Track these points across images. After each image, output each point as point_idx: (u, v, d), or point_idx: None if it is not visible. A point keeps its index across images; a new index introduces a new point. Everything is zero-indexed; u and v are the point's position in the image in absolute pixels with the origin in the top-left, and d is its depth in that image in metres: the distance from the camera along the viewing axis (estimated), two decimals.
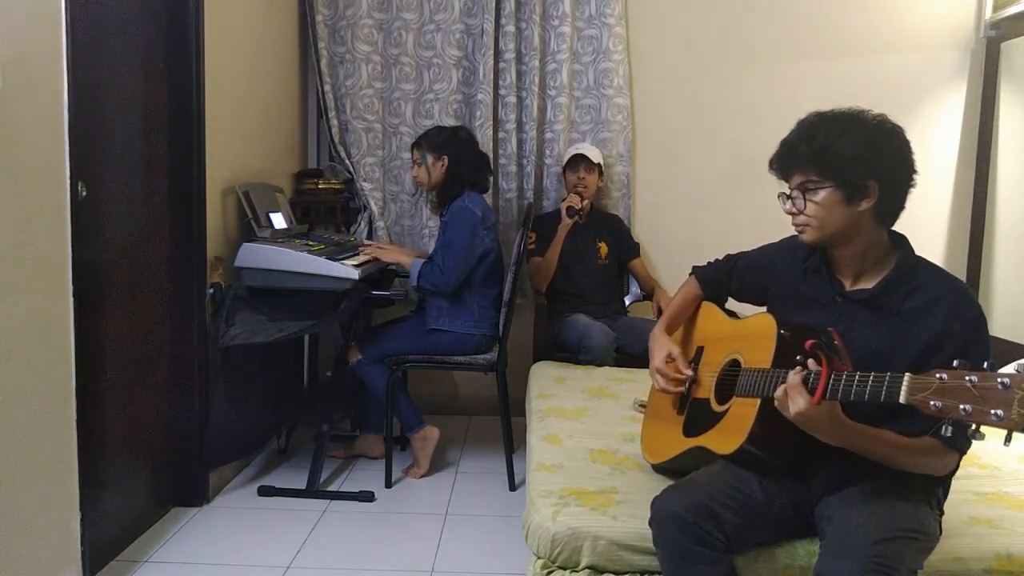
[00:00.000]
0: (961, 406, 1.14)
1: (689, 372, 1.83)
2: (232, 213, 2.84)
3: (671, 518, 1.50)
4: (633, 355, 3.09)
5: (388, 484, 2.90)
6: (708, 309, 1.95)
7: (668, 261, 3.68)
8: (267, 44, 3.21)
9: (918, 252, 1.56)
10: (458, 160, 2.94)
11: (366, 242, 3.21)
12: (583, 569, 1.66)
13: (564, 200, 3.35)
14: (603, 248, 3.42)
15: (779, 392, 1.38)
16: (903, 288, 1.50)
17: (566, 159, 3.40)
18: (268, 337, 2.60)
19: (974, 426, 1.16)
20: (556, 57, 3.53)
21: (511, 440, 2.95)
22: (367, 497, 2.76)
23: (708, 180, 3.68)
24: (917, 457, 1.42)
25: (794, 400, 1.35)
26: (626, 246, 3.51)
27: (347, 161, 3.56)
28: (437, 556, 2.37)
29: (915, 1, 3.56)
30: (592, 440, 2.16)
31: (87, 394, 2.05)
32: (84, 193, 2.01)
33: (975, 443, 1.33)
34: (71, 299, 1.93)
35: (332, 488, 2.87)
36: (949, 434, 1.20)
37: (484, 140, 3.41)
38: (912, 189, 1.51)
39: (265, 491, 2.78)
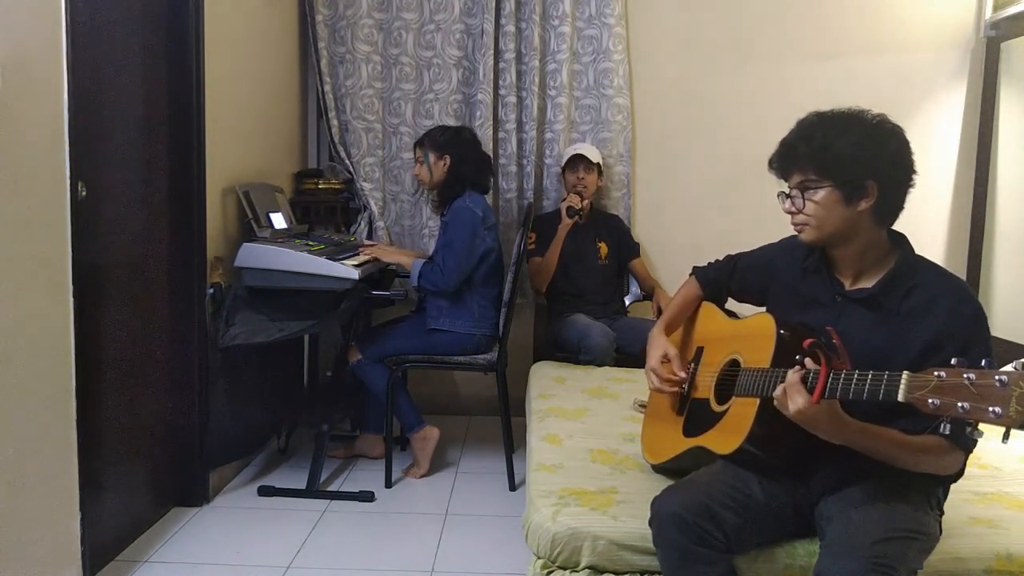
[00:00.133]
0: (959, 404, 1.14)
1: (683, 374, 1.83)
2: (232, 213, 2.84)
3: (671, 518, 1.50)
4: (633, 355, 3.08)
5: (388, 484, 2.90)
6: (708, 309, 1.95)
7: (668, 261, 3.68)
8: (267, 44, 3.21)
9: (918, 252, 1.56)
10: (460, 160, 2.95)
11: (366, 242, 3.21)
12: (583, 569, 1.66)
13: (564, 200, 3.35)
14: (603, 248, 3.42)
15: (778, 392, 1.38)
16: (903, 287, 1.50)
17: (565, 159, 3.40)
18: (268, 337, 2.60)
19: (973, 424, 1.16)
20: (556, 57, 3.53)
21: (511, 440, 2.95)
22: (367, 497, 2.76)
23: (708, 180, 3.68)
24: (919, 455, 1.42)
25: (793, 399, 1.35)
26: (626, 246, 3.51)
27: (347, 161, 3.56)
28: (437, 556, 2.37)
29: (915, 1, 3.56)
30: (592, 440, 2.16)
31: (87, 394, 2.05)
32: (84, 193, 2.01)
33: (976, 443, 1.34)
34: (71, 299, 1.93)
35: (332, 488, 2.87)
36: (947, 432, 1.20)
37: (484, 140, 3.41)
38: (912, 189, 1.51)
39: (265, 491, 2.79)
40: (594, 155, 3.37)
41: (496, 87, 3.54)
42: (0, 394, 1.70)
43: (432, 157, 2.96)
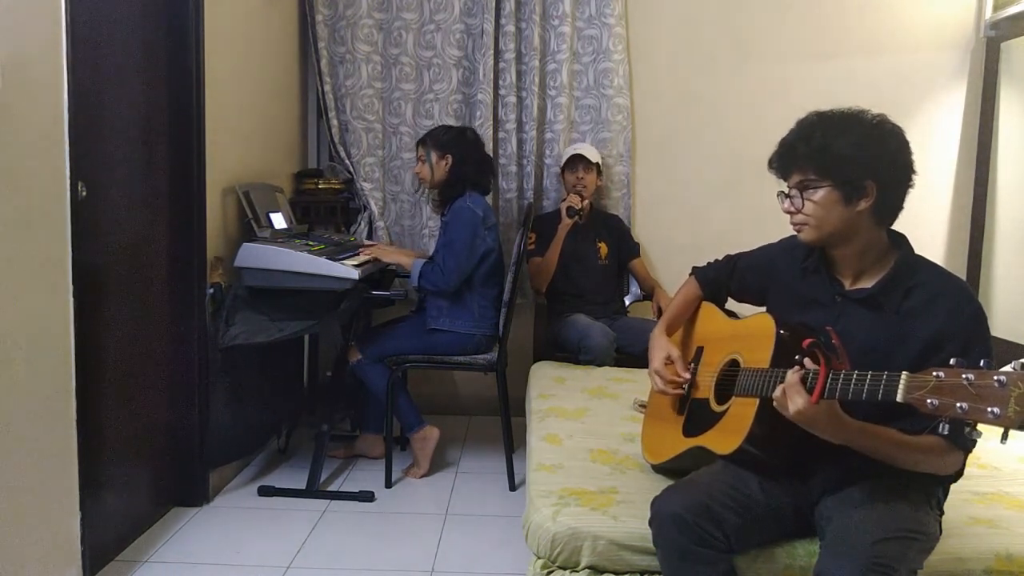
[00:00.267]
0: (958, 404, 1.14)
1: (687, 375, 1.83)
2: (232, 213, 2.84)
3: (671, 518, 1.50)
4: (633, 355, 3.09)
5: (388, 484, 2.90)
6: (708, 309, 1.95)
7: (668, 261, 3.68)
8: (267, 44, 3.21)
9: (918, 252, 1.56)
10: (462, 160, 2.95)
11: (367, 243, 3.21)
12: (583, 569, 1.66)
13: (564, 200, 3.35)
14: (603, 248, 3.42)
15: (778, 392, 1.38)
16: (902, 287, 1.50)
17: (564, 159, 3.40)
18: (268, 337, 2.60)
19: (972, 424, 1.16)
20: (556, 57, 3.53)
21: (511, 440, 2.95)
22: (367, 497, 2.76)
23: (708, 180, 3.68)
24: (918, 455, 1.42)
25: (792, 400, 1.35)
26: (626, 246, 3.51)
27: (347, 161, 3.56)
28: (437, 556, 2.37)
29: (915, 1, 3.56)
30: (592, 440, 2.17)
31: (87, 394, 2.05)
32: (84, 193, 2.01)
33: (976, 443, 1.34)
34: (71, 299, 1.93)
35: (332, 488, 2.87)
36: (946, 432, 1.20)
37: (484, 140, 3.41)
38: (911, 189, 1.51)
39: (265, 491, 2.79)
40: (593, 155, 3.37)
41: (496, 87, 3.54)
42: (0, 394, 1.70)
43: (434, 156, 2.96)
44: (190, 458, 2.64)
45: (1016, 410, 1.09)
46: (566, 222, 3.29)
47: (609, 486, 1.84)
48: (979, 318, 1.45)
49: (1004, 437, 1.13)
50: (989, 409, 1.11)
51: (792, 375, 1.37)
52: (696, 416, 1.78)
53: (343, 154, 3.56)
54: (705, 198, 3.69)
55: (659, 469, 1.92)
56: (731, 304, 1.94)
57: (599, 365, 3.02)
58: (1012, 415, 1.09)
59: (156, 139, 2.48)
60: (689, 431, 1.78)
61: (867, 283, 1.55)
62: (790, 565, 1.58)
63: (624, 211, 3.62)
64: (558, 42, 3.52)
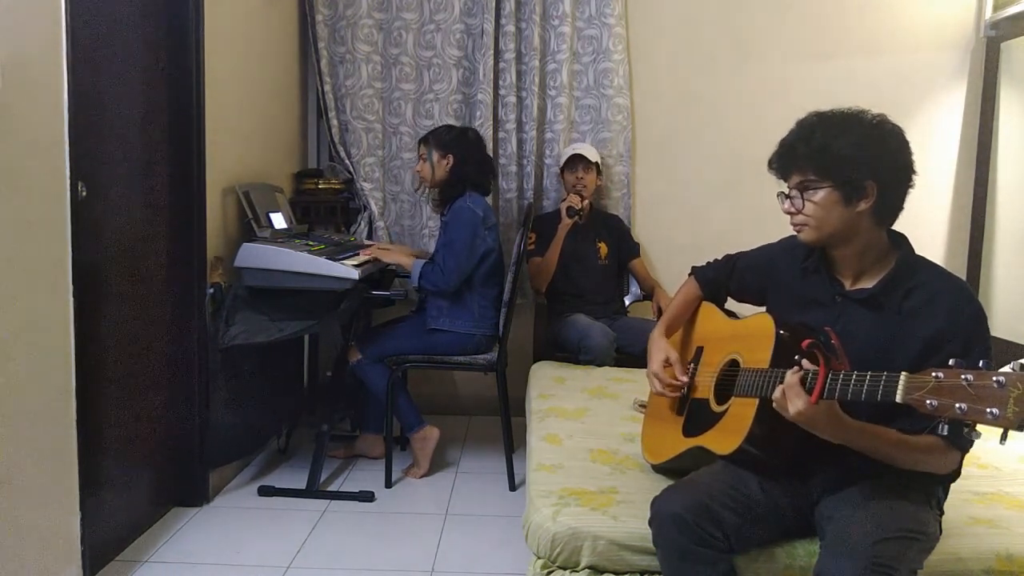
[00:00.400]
0: (957, 405, 1.14)
1: (685, 378, 1.83)
2: (232, 213, 2.84)
3: (671, 518, 1.50)
4: (633, 355, 3.09)
5: (388, 484, 2.90)
6: (707, 309, 1.95)
7: (668, 261, 3.68)
8: (267, 44, 3.21)
9: (918, 252, 1.56)
10: (463, 160, 2.95)
11: (367, 243, 3.21)
12: (583, 569, 1.66)
13: (564, 200, 3.35)
14: (603, 248, 3.42)
15: (777, 393, 1.38)
16: (903, 287, 1.50)
17: (563, 160, 3.40)
18: (268, 337, 2.60)
19: (971, 425, 1.16)
20: (556, 57, 3.53)
21: (511, 440, 2.95)
22: (367, 497, 2.77)
23: (708, 180, 3.68)
24: (917, 454, 1.42)
25: (792, 400, 1.35)
26: (626, 246, 3.51)
27: (347, 161, 3.56)
28: (437, 556, 2.37)
29: (915, 1, 3.56)
30: (592, 440, 2.17)
31: (87, 394, 2.05)
32: (84, 193, 2.01)
33: (975, 443, 1.34)
34: (71, 299, 1.93)
35: (332, 488, 2.87)
36: (945, 432, 1.20)
37: (484, 140, 3.41)
38: (911, 190, 1.51)
39: (265, 491, 2.79)
40: (592, 154, 3.37)
41: (496, 87, 3.54)
42: (0, 394, 1.70)
43: (436, 155, 2.96)
44: (190, 458, 2.64)
45: (1015, 411, 1.09)
46: (566, 222, 3.29)
47: (609, 486, 1.84)
48: (979, 318, 1.45)
49: (1003, 438, 1.14)
50: (988, 410, 1.11)
51: (792, 375, 1.37)
52: (696, 416, 1.78)
53: (343, 154, 3.56)
54: (705, 198, 3.69)
55: (659, 469, 1.92)
56: (731, 304, 1.94)
57: (599, 365, 3.02)
58: (1011, 416, 1.10)
59: (156, 139, 2.48)
60: (689, 431, 1.78)
61: (867, 283, 1.55)
62: (790, 565, 1.58)
63: (624, 211, 3.62)
64: (558, 42, 3.52)
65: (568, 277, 3.33)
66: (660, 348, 1.89)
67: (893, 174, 1.48)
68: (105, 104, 2.20)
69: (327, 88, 3.51)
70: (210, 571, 2.25)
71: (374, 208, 3.58)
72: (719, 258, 1.94)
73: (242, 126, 2.95)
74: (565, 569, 1.67)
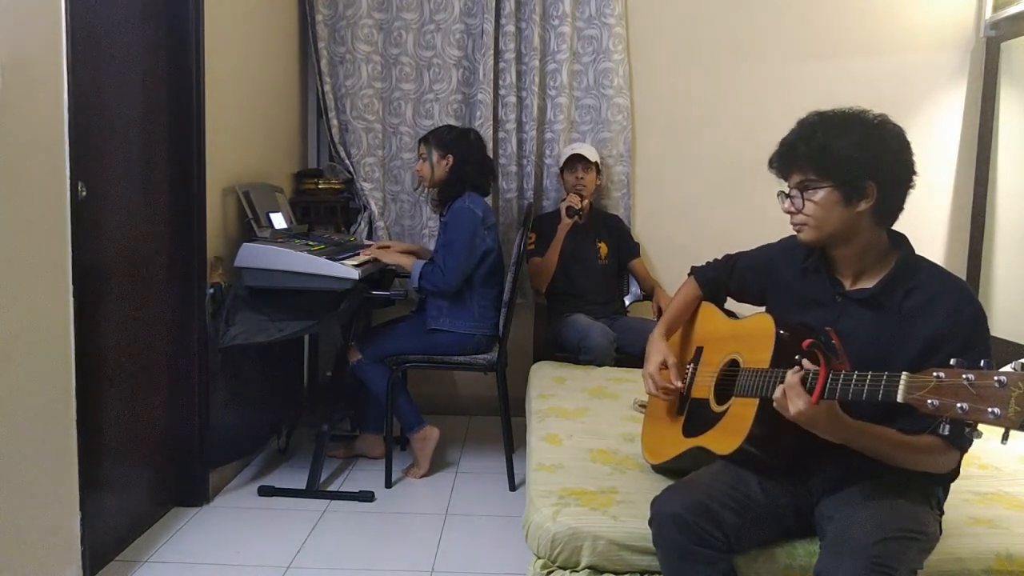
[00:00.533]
0: (958, 404, 1.14)
1: (680, 384, 1.83)
2: (232, 213, 2.84)
3: (671, 518, 1.50)
4: (633, 355, 3.08)
5: (388, 484, 2.90)
6: (707, 309, 1.95)
7: (668, 261, 3.67)
8: (267, 44, 3.21)
9: (918, 252, 1.56)
10: (463, 161, 2.95)
11: (367, 243, 3.21)
12: (583, 569, 1.66)
13: (564, 200, 3.35)
14: (603, 248, 3.42)
15: (778, 393, 1.38)
16: (903, 287, 1.50)
17: (563, 160, 3.40)
18: (268, 337, 2.60)
19: (972, 424, 1.16)
20: (556, 57, 3.53)
21: (511, 440, 2.95)
22: (367, 497, 2.76)
23: (708, 180, 3.68)
24: (917, 454, 1.42)
25: (792, 401, 1.35)
26: (626, 246, 3.51)
27: (347, 161, 3.56)
28: (437, 556, 2.37)
29: (915, 1, 3.56)
30: (592, 440, 2.16)
31: (87, 394, 2.05)
32: (84, 193, 2.01)
33: (975, 443, 1.34)
34: (71, 299, 1.93)
35: (332, 488, 2.87)
36: (946, 432, 1.20)
37: (484, 140, 3.41)
38: (911, 190, 1.51)
39: (265, 491, 2.79)
40: (592, 154, 3.37)
41: (496, 87, 3.54)
42: (0, 394, 1.70)
43: (436, 155, 2.96)
44: (190, 458, 2.64)
45: (1016, 410, 1.09)
46: (566, 222, 3.29)
47: (609, 486, 1.84)
48: (979, 318, 1.45)
49: (1005, 437, 1.14)
50: (989, 409, 1.11)
51: (792, 375, 1.37)
52: (696, 416, 1.78)
53: (343, 154, 3.56)
54: (705, 198, 3.69)
55: (659, 469, 1.92)
56: (731, 304, 1.94)
57: (599, 365, 3.02)
58: (1012, 415, 1.10)
59: (156, 139, 2.48)
60: (689, 431, 1.78)
61: (867, 283, 1.55)
62: (790, 565, 1.58)
63: (624, 211, 3.62)
64: (558, 42, 3.52)
65: (568, 277, 3.33)
66: (659, 350, 1.89)
67: (893, 174, 1.48)
68: (105, 104, 2.20)
69: (327, 88, 3.51)
70: (210, 571, 2.25)
71: (374, 208, 3.58)
72: (718, 258, 1.94)
73: (242, 126, 2.95)
74: (565, 569, 1.67)
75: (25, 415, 1.78)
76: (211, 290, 2.61)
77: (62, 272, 1.90)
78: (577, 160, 3.35)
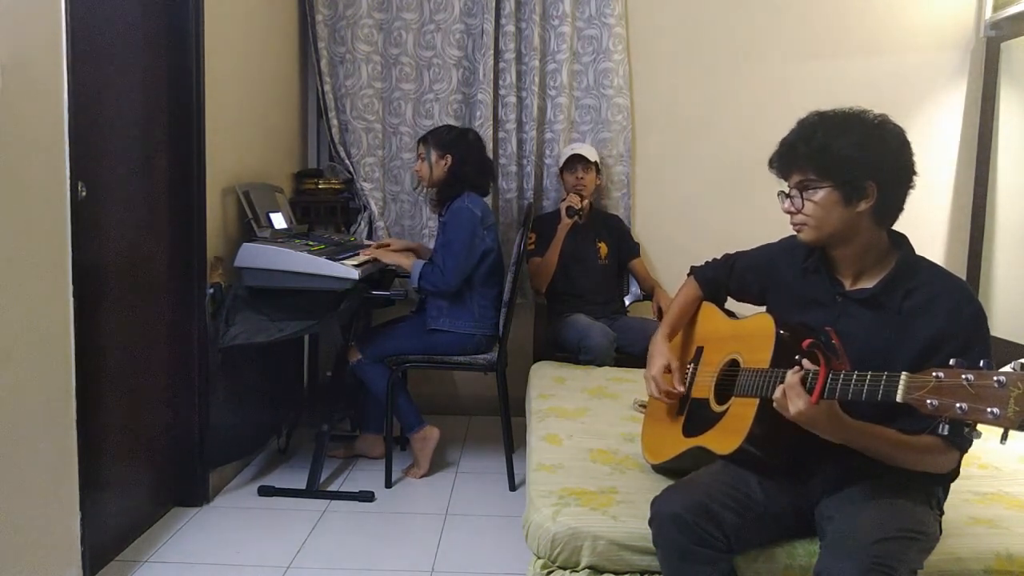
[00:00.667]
0: (958, 404, 1.14)
1: (682, 389, 1.83)
2: (232, 213, 2.84)
3: (671, 518, 1.50)
4: (633, 355, 3.09)
5: (388, 484, 2.90)
6: (707, 309, 1.95)
7: (668, 261, 3.68)
8: (267, 44, 3.21)
9: (918, 252, 1.56)
10: (462, 161, 2.95)
11: (367, 243, 3.21)
12: (583, 569, 1.66)
13: (564, 200, 3.35)
14: (603, 248, 3.42)
15: (778, 393, 1.38)
16: (903, 287, 1.50)
17: (563, 160, 3.40)
18: (268, 337, 2.60)
19: (971, 424, 1.16)
20: (556, 57, 3.53)
21: (511, 440, 2.95)
22: (367, 497, 2.77)
23: (708, 180, 3.68)
24: (917, 454, 1.42)
25: (792, 401, 1.35)
26: (626, 246, 3.51)
27: (347, 161, 3.56)
28: (437, 556, 2.37)
29: (915, 1, 3.56)
30: (592, 440, 2.16)
31: (87, 394, 2.05)
32: (84, 193, 2.01)
33: (975, 443, 1.34)
34: (71, 299, 1.93)
35: (332, 488, 2.87)
36: (946, 432, 1.20)
37: (484, 140, 3.41)
38: (911, 190, 1.51)
39: (265, 491, 2.79)
40: (591, 154, 3.37)
41: (496, 87, 3.54)
42: (0, 394, 1.70)
43: (434, 155, 2.96)
44: (190, 458, 2.64)
45: (1016, 410, 1.09)
46: (566, 222, 3.29)
47: (609, 486, 1.84)
48: (979, 318, 1.45)
49: (1004, 437, 1.14)
50: (989, 409, 1.11)
51: (792, 376, 1.37)
52: (696, 416, 1.78)
53: (343, 154, 3.56)
54: (705, 198, 3.69)
55: (659, 469, 1.92)
56: (731, 304, 1.94)
57: (599, 365, 3.02)
58: (1012, 415, 1.10)
59: (156, 139, 2.48)
60: (689, 431, 1.78)
61: (868, 283, 1.55)
62: (790, 565, 1.58)
63: (624, 211, 3.62)
64: (558, 42, 3.52)
65: (568, 277, 3.33)
66: (662, 353, 1.89)
67: (893, 175, 1.48)
68: (105, 104, 2.20)
69: (327, 88, 3.51)
70: (210, 571, 2.25)
71: (374, 208, 3.58)
72: (718, 258, 1.94)
73: (242, 126, 2.95)
74: (565, 569, 1.67)
75: (25, 415, 1.78)
76: (211, 290, 2.61)
77: (62, 272, 1.90)
78: (577, 160, 3.35)
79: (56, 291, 1.89)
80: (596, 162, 3.38)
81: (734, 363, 1.69)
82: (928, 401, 1.18)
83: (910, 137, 1.50)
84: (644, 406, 2.19)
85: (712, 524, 1.49)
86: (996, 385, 1.11)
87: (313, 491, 2.78)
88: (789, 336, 1.54)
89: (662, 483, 1.72)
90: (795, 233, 1.60)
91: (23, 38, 1.73)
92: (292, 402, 3.28)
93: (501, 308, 2.93)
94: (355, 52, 3.52)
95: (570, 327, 3.13)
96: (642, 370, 1.96)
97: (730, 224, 3.62)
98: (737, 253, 1.90)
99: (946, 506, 1.61)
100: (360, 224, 3.58)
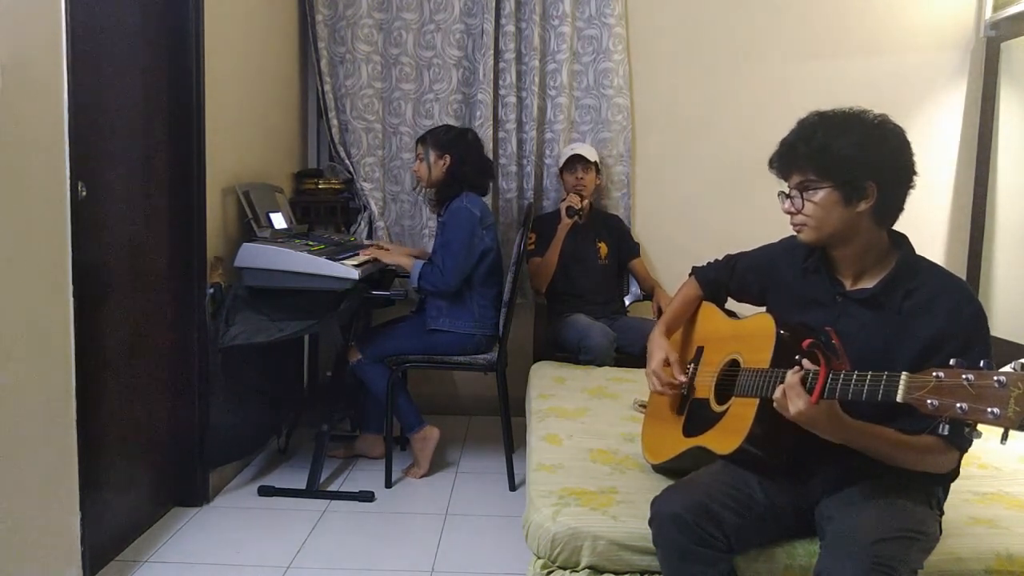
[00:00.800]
0: (958, 404, 1.14)
1: (684, 378, 1.83)
2: (232, 213, 2.84)
3: (671, 518, 1.50)
4: (633, 355, 3.09)
5: (388, 484, 2.90)
6: (708, 309, 1.95)
7: (668, 261, 3.68)
8: (267, 44, 3.21)
9: (918, 252, 1.56)
10: (461, 161, 2.95)
11: (367, 243, 3.21)
12: (583, 569, 1.66)
13: (564, 200, 3.35)
14: (603, 248, 3.42)
15: (778, 393, 1.38)
16: (903, 287, 1.50)
17: (563, 160, 3.40)
18: (268, 337, 2.60)
19: (971, 424, 1.16)
20: (556, 57, 3.53)
21: (511, 440, 2.95)
22: (367, 497, 2.77)
23: (708, 180, 3.68)
24: (917, 454, 1.42)
25: (793, 400, 1.35)
26: (626, 246, 3.51)
27: (347, 161, 3.56)
28: (437, 556, 2.37)
29: (915, 1, 3.56)
30: (592, 440, 2.16)
31: (87, 394, 2.05)
32: (84, 193, 2.01)
33: (975, 443, 1.34)
34: (71, 299, 1.93)
35: (332, 488, 2.87)
36: (946, 432, 1.20)
37: (484, 140, 3.41)
38: (912, 190, 1.51)
39: (265, 491, 2.79)
40: (591, 154, 3.37)
41: (496, 87, 3.54)
42: (0, 394, 1.70)
43: (433, 155, 2.96)
44: (190, 458, 2.64)
45: (1016, 410, 1.09)
46: (566, 222, 3.29)
47: (609, 486, 1.84)
48: (979, 318, 1.45)
49: (1004, 437, 1.14)
50: (989, 409, 1.11)
51: (792, 376, 1.37)
52: (696, 416, 1.78)
53: (343, 154, 3.56)
54: (705, 198, 3.69)
55: (659, 469, 1.92)
56: (731, 304, 1.94)
57: (599, 365, 3.02)
58: (1012, 415, 1.10)
59: (156, 139, 2.48)
60: (689, 431, 1.78)
61: (868, 283, 1.55)
62: (790, 565, 1.58)
63: (624, 211, 3.62)
64: (558, 42, 3.52)
65: (568, 277, 3.33)
66: (660, 347, 1.89)
67: (894, 175, 1.48)
68: (105, 104, 2.20)
69: (327, 88, 3.51)
70: (210, 571, 2.25)
71: (374, 208, 3.58)
72: (719, 258, 1.94)
73: (242, 126, 2.95)
74: (565, 569, 1.67)
75: (25, 415, 1.78)
76: (211, 290, 2.61)
77: (62, 272, 1.90)
78: (577, 160, 3.35)
79: (56, 291, 1.89)
80: (596, 162, 3.38)
81: (734, 363, 1.69)
82: (928, 401, 1.18)
83: (910, 137, 1.50)
84: (644, 406, 2.19)
85: (712, 524, 1.49)
86: (996, 385, 1.11)
87: (313, 491, 2.78)
88: (789, 336, 1.54)
89: (662, 483, 1.72)
90: (795, 233, 1.60)
91: (23, 38, 1.73)
92: (292, 402, 3.28)
93: (501, 308, 2.93)
94: (355, 52, 3.52)
95: (570, 327, 3.14)
96: (642, 370, 1.97)
97: (730, 224, 3.62)
98: (738, 254, 1.90)
99: (946, 506, 1.61)
100: (360, 224, 3.58)
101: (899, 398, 1.22)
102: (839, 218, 1.49)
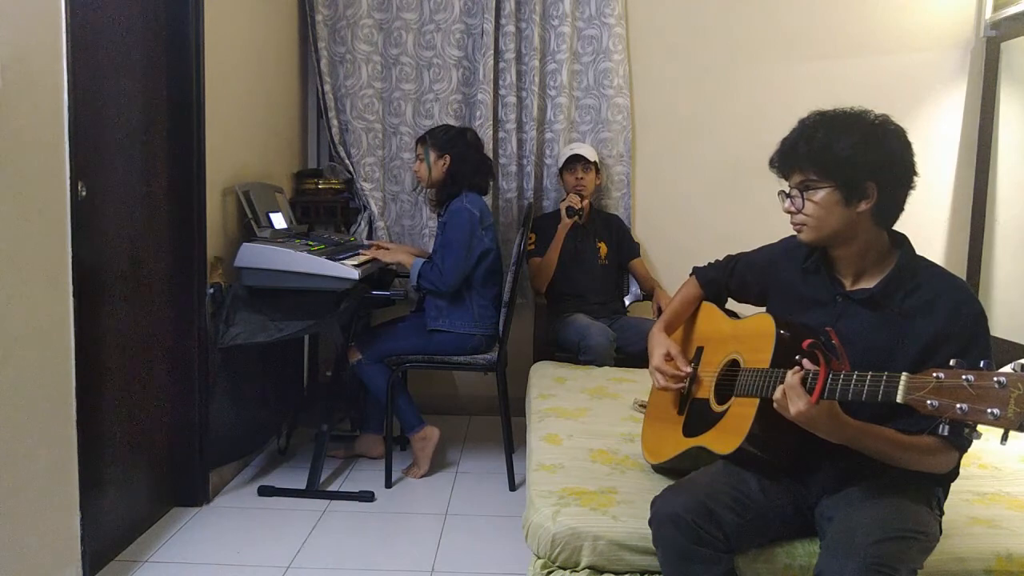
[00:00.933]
0: (958, 405, 1.14)
1: (688, 369, 1.83)
2: (232, 213, 2.84)
3: (671, 518, 1.50)
4: (633, 355, 3.09)
5: (388, 484, 2.90)
6: (708, 309, 1.95)
7: (668, 261, 3.68)
8: (267, 44, 3.21)
9: (918, 252, 1.56)
10: (461, 160, 2.95)
11: (367, 243, 3.21)
12: (583, 569, 1.66)
13: (564, 200, 3.35)
14: (603, 248, 3.42)
15: (778, 394, 1.38)
16: (903, 287, 1.50)
17: (563, 160, 3.40)
18: (268, 337, 2.60)
19: (971, 425, 1.16)
20: (556, 57, 3.53)
21: (511, 440, 2.95)
22: (367, 497, 2.77)
23: (708, 180, 3.68)
24: (917, 455, 1.42)
25: (793, 401, 1.35)
26: (626, 246, 3.51)
27: (347, 161, 3.56)
28: (437, 556, 2.37)
29: (915, 1, 3.56)
30: (592, 440, 2.16)
31: (87, 394, 2.05)
32: (84, 193, 2.01)
33: (975, 443, 1.34)
34: (71, 299, 1.93)
35: (332, 488, 2.87)
36: (946, 433, 1.20)
37: (484, 140, 3.40)
38: (912, 191, 1.51)
39: (265, 491, 2.79)
40: (591, 154, 3.37)
41: (496, 87, 3.54)
42: (0, 394, 1.70)
43: (432, 155, 2.96)
44: (190, 458, 2.64)
45: (1016, 411, 1.09)
46: (566, 222, 3.29)
47: (609, 486, 1.84)
48: (979, 319, 1.45)
49: (1004, 438, 1.14)
50: (989, 410, 1.11)
51: (792, 376, 1.37)
52: (696, 416, 1.78)
53: (343, 154, 3.56)
54: (705, 198, 3.69)
55: (659, 469, 1.92)
56: (731, 304, 1.94)
57: (599, 365, 3.02)
58: (1012, 416, 1.10)
59: (156, 139, 2.48)
60: (689, 431, 1.78)
61: (868, 283, 1.55)
62: (790, 565, 1.58)
63: (624, 211, 3.62)
64: (558, 42, 3.53)
65: (568, 277, 3.33)
66: (660, 343, 1.89)
67: (894, 175, 1.48)
68: (105, 104, 2.20)
69: (327, 88, 3.51)
70: (210, 571, 2.25)
71: (374, 208, 3.58)
72: (720, 258, 1.94)
73: (242, 126, 2.95)
74: (565, 569, 1.67)
75: (25, 414, 1.78)
76: (211, 290, 2.61)
77: (62, 272, 1.90)
78: (577, 160, 3.35)
79: (56, 291, 1.89)
80: (596, 162, 3.39)
81: (734, 363, 1.69)
82: (928, 401, 1.18)
83: (910, 137, 1.50)
84: (644, 406, 2.19)
85: (712, 524, 1.49)
86: (996, 386, 1.11)
87: (313, 491, 2.78)
88: (789, 336, 1.54)
89: (662, 483, 1.72)
90: (795, 233, 1.60)
91: (23, 38, 1.73)
92: (292, 402, 3.28)
93: (501, 308, 2.93)
94: (355, 52, 3.52)
95: (570, 327, 3.14)
96: (642, 370, 1.97)
97: (730, 224, 3.62)
98: (739, 254, 1.90)
99: (946, 506, 1.61)
100: (360, 224, 3.58)
101: (899, 398, 1.22)
102: (839, 218, 1.49)
